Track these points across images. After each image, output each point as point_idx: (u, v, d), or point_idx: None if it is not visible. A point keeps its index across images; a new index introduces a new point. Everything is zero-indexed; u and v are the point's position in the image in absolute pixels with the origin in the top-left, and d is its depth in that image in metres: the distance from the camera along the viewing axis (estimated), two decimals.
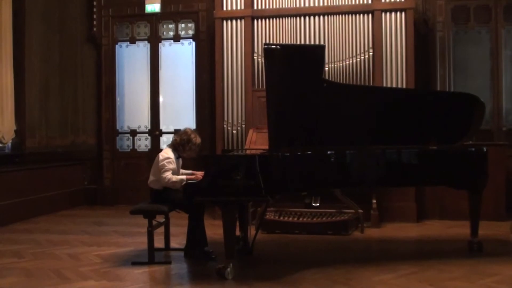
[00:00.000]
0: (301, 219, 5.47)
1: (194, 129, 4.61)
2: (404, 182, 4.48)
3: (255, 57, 6.29)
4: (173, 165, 4.38)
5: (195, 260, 4.39)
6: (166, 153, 4.44)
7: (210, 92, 7.10)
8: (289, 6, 6.27)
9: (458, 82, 6.54)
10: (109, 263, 4.32)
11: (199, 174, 4.44)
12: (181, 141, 4.45)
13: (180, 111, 7.63)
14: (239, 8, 6.34)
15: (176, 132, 7.48)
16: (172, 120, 7.63)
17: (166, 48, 7.67)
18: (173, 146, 4.49)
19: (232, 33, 6.35)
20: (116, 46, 7.75)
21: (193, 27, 7.57)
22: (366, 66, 6.06)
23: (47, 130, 7.50)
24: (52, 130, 7.60)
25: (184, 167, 4.71)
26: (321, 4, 6.21)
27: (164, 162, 4.35)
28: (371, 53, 6.07)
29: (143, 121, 7.72)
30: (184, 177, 4.37)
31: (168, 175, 4.31)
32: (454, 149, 4.46)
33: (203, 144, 7.31)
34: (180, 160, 4.58)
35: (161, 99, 7.65)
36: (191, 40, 7.58)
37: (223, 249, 3.85)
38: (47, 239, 5.28)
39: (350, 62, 6.11)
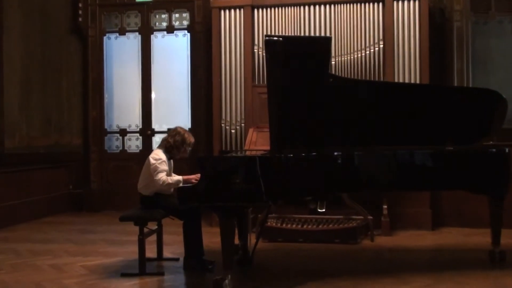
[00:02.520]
0: (305, 226, 5.48)
1: (184, 128, 4.61)
2: (418, 186, 4.48)
3: (255, 50, 6.30)
4: (166, 167, 4.40)
5: (190, 271, 4.40)
6: (157, 155, 4.44)
7: (207, 88, 7.11)
8: None
9: (478, 77, 6.55)
10: (96, 274, 4.33)
11: (195, 176, 4.44)
12: (175, 143, 4.46)
13: (174, 108, 7.65)
14: None
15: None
16: (165, 118, 7.65)
17: (159, 40, 7.68)
18: (165, 147, 4.50)
19: (230, 24, 6.37)
20: (104, 38, 7.77)
21: (188, 17, 7.59)
22: (376, 59, 6.07)
23: (28, 130, 7.50)
24: (34, 129, 7.60)
25: (177, 170, 4.73)
26: None
27: (156, 164, 4.36)
28: (381, 46, 6.08)
29: (133, 119, 7.74)
30: (180, 177, 4.37)
31: (163, 177, 4.32)
32: (473, 150, 4.46)
33: (199, 145, 7.40)
34: (172, 162, 4.60)
35: (153, 95, 7.67)
36: (185, 31, 7.60)
37: (221, 259, 3.86)
38: (27, 249, 5.28)
39: (359, 55, 6.12)
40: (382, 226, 5.71)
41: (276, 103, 4.03)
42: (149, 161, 4.43)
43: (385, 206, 5.77)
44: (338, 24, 6.19)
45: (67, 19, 7.75)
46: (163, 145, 4.53)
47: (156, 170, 4.34)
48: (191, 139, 4.52)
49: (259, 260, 4.65)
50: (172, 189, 4.39)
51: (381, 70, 6.07)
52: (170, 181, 4.31)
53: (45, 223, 6.77)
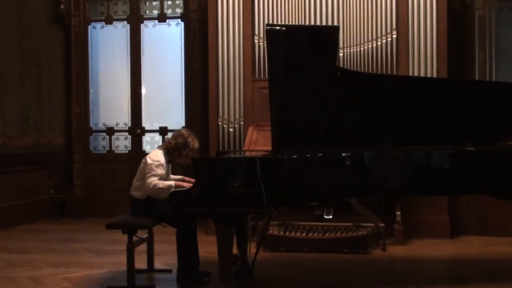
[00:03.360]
0: (310, 234, 5.50)
1: (190, 132, 4.62)
2: (435, 190, 4.48)
3: (255, 41, 6.32)
4: (162, 171, 4.42)
5: (184, 284, 4.41)
6: (156, 156, 4.47)
7: (202, 83, 7.13)
8: None
9: (501, 70, 6.56)
10: (80, 287, 4.34)
11: (191, 180, 4.46)
12: (176, 145, 4.48)
13: (166, 105, 7.67)
14: None
15: (161, 129, 7.59)
16: (156, 116, 7.67)
17: (150, 30, 7.71)
18: (166, 149, 4.53)
19: (228, 12, 6.38)
20: (89, 27, 7.79)
21: (181, 4, 7.61)
22: (388, 51, 6.09)
23: (4, 128, 7.50)
24: (10, 128, 7.59)
25: (171, 170, 4.74)
26: None
27: (153, 166, 4.39)
28: (394, 36, 6.10)
29: (122, 117, 7.76)
30: (172, 182, 4.39)
31: (154, 180, 4.34)
32: (496, 150, 4.47)
33: None
34: (170, 165, 4.62)
35: (143, 91, 7.69)
36: (179, 20, 7.62)
37: (218, 270, 3.87)
38: (4, 259, 5.30)
39: (369, 46, 6.14)
40: (395, 234, 5.72)
41: (279, 99, 4.04)
42: (146, 160, 4.45)
43: (399, 212, 5.78)
44: (347, 12, 6.20)
45: (48, 7, 7.75)
46: (164, 146, 4.57)
47: (149, 172, 4.37)
48: (195, 144, 4.52)
49: (260, 272, 4.66)
50: (166, 195, 4.39)
51: (394, 63, 6.09)
52: (161, 186, 4.33)
53: (23, 231, 6.78)
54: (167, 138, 4.64)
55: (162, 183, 4.36)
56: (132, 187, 4.55)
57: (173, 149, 4.49)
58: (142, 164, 4.50)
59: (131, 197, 4.56)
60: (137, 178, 4.52)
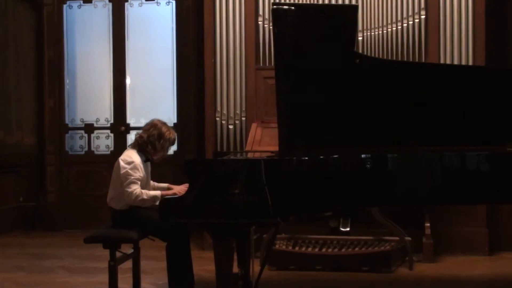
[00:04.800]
0: (324, 249, 5.52)
1: (163, 121, 4.66)
2: (471, 198, 4.47)
3: (259, 22, 6.34)
4: (140, 173, 4.45)
5: None
6: (130, 157, 4.49)
7: (197, 72, 7.16)
8: None
9: None
10: None
11: (179, 189, 4.49)
12: (149, 138, 4.51)
13: (155, 98, 7.69)
14: None
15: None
16: (143, 110, 7.67)
17: (135, 10, 7.73)
18: (138, 145, 4.55)
19: None
20: (64, 6, 7.82)
21: None
22: (415, 34, 6.10)
23: None
24: None
25: (156, 177, 4.77)
26: None
27: (128, 169, 4.40)
28: (423, 17, 6.11)
29: (103, 112, 7.79)
30: (158, 192, 4.43)
31: (136, 189, 4.36)
32: None
33: (187, 145, 7.45)
34: (149, 164, 4.65)
35: (128, 81, 7.71)
36: None
37: None
38: None
39: (393, 29, 6.15)
40: (423, 250, 5.73)
41: (287, 91, 4.05)
42: (118, 164, 4.47)
43: (428, 224, 5.78)
44: None
45: None
46: (136, 143, 4.58)
47: (127, 179, 4.38)
48: (170, 134, 4.57)
49: None
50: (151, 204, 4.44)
51: (422, 48, 6.10)
52: (145, 197, 4.36)
53: None
54: (137, 133, 4.65)
55: (146, 193, 4.38)
56: (108, 199, 4.58)
57: (146, 144, 4.52)
58: (115, 170, 4.52)
59: (110, 208, 4.59)
60: (113, 187, 4.54)
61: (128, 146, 4.74)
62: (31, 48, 7.87)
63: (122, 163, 4.45)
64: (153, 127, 4.55)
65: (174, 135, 4.62)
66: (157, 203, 4.18)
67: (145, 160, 4.56)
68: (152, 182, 4.73)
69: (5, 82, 7.75)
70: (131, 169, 4.40)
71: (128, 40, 7.69)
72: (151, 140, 4.52)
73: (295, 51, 4.09)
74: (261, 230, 5.46)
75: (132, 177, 4.39)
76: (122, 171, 4.41)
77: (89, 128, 7.83)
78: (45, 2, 7.72)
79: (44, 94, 7.77)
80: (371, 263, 5.35)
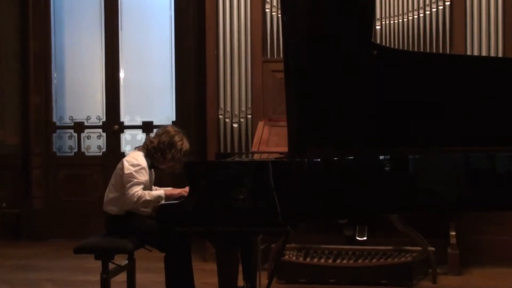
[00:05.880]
0: (339, 261, 5.52)
1: (179, 129, 4.66)
2: (501, 203, 4.48)
3: (267, 10, 6.34)
4: (145, 177, 4.46)
5: None
6: (136, 159, 4.50)
7: (198, 65, 7.16)
8: None
9: None
10: None
11: (182, 191, 4.50)
12: (159, 145, 4.51)
13: (151, 93, 7.70)
14: None
15: (145, 125, 7.61)
16: (139, 107, 7.70)
17: None
18: (147, 150, 4.56)
19: None
20: None
21: None
22: (439, 23, 6.10)
23: None
24: None
25: (155, 179, 4.79)
26: None
27: (133, 171, 4.42)
28: (447, 3, 6.10)
29: (94, 109, 7.80)
30: (161, 192, 4.44)
31: (138, 191, 4.36)
32: None
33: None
34: (153, 172, 4.67)
35: (121, 74, 7.72)
36: None
37: None
38: None
39: (415, 17, 6.14)
40: (448, 261, 5.72)
41: (297, 86, 4.06)
42: (122, 165, 4.48)
43: (453, 233, 5.78)
44: None
45: None
46: (145, 147, 4.59)
47: (130, 181, 4.39)
48: (184, 144, 4.55)
49: None
50: (150, 209, 4.44)
51: (446, 39, 6.10)
52: (149, 198, 4.36)
53: None
54: (149, 136, 4.66)
55: (149, 194, 4.39)
56: (105, 201, 4.59)
57: (155, 150, 4.52)
58: (117, 171, 4.53)
59: (105, 214, 4.60)
60: (112, 189, 4.55)
61: (136, 147, 4.75)
62: (15, 39, 7.86)
63: (126, 164, 4.45)
64: (166, 133, 4.55)
65: (187, 146, 4.57)
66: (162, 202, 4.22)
67: (150, 166, 4.57)
68: (154, 188, 4.74)
69: None
70: (136, 171, 4.41)
71: (122, 30, 7.69)
72: (161, 147, 4.51)
73: (306, 42, 4.10)
74: (269, 239, 5.47)
75: (136, 179, 4.39)
76: (126, 172, 4.41)
77: (79, 127, 7.83)
78: None
79: (29, 89, 7.74)
80: (390, 276, 5.35)
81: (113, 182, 4.56)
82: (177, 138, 4.53)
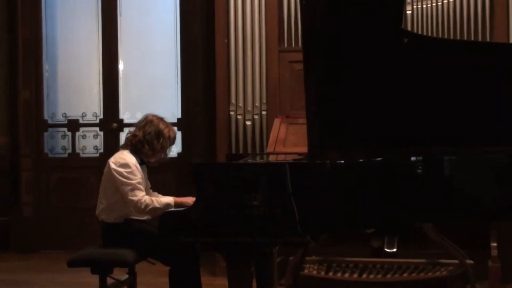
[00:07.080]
0: (365, 275, 5.52)
1: (159, 116, 4.69)
2: None
3: None
4: (139, 175, 4.49)
5: None
6: (122, 158, 4.53)
7: (206, 56, 7.17)
8: None
9: None
10: None
11: (189, 200, 4.50)
12: (145, 137, 4.56)
13: (154, 87, 7.73)
14: None
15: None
16: (140, 103, 7.73)
17: None
18: (132, 146, 4.60)
19: None
20: None
21: None
22: (478, 7, 6.08)
23: None
24: None
25: (156, 186, 4.79)
26: None
27: (124, 173, 4.44)
28: None
29: (90, 105, 7.85)
30: (170, 199, 4.45)
31: (142, 197, 4.39)
32: None
33: (193, 146, 7.47)
34: (145, 168, 4.69)
35: (120, 66, 7.75)
36: None
37: None
38: None
39: (450, 0, 6.13)
40: (489, 276, 5.69)
41: (318, 79, 4.06)
42: (109, 168, 4.52)
43: (494, 244, 5.75)
44: None
45: None
46: (128, 143, 4.63)
47: (127, 186, 4.41)
48: (170, 131, 4.62)
49: None
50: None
51: (486, 25, 6.09)
52: (158, 205, 4.38)
53: None
54: (129, 131, 4.68)
55: (157, 201, 4.41)
56: (98, 210, 4.62)
57: (142, 144, 4.56)
58: (105, 176, 4.58)
59: (102, 222, 4.62)
60: (104, 195, 4.59)
61: (120, 146, 4.78)
62: (2, 27, 7.91)
63: (113, 166, 4.49)
64: (149, 123, 4.60)
65: (174, 132, 4.68)
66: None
67: (140, 163, 4.59)
68: (156, 194, 4.75)
69: None
70: (128, 172, 4.45)
71: (121, 16, 7.73)
72: (148, 139, 4.55)
73: (327, 29, 4.09)
74: (287, 251, 5.46)
75: (133, 182, 4.42)
76: (118, 176, 4.44)
77: (74, 125, 7.88)
78: None
79: (17, 83, 7.80)
80: None
81: (103, 189, 4.59)
82: (162, 126, 4.60)
